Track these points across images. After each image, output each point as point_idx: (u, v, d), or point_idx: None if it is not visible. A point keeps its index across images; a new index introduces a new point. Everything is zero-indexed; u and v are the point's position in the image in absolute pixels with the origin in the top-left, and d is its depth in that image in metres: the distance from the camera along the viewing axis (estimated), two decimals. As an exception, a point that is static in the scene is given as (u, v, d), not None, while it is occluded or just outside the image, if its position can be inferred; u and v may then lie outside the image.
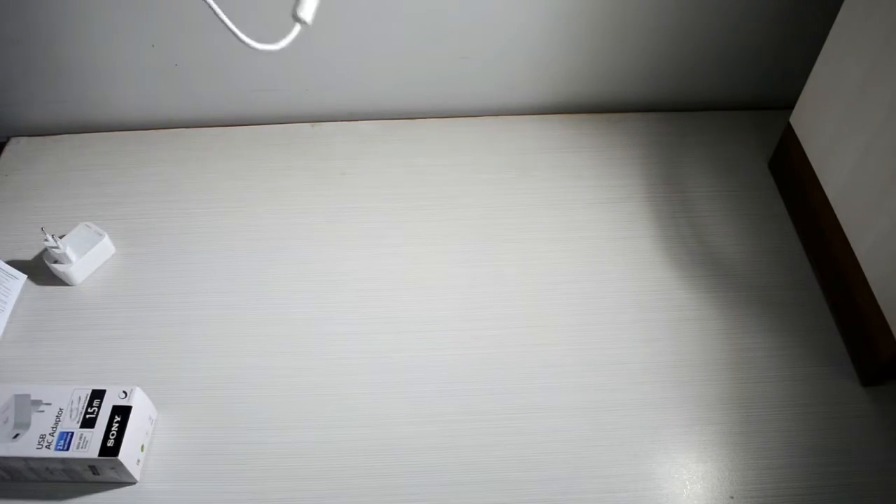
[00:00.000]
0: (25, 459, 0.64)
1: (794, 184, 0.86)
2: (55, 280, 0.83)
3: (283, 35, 0.63)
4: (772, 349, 0.76)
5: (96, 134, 0.99)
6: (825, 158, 0.79)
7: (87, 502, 0.67)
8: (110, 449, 0.64)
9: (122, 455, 0.64)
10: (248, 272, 0.83)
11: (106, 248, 0.85)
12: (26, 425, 0.65)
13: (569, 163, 0.93)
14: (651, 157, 0.94)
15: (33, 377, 0.75)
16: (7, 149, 0.98)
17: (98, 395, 0.67)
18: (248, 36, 0.61)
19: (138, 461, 0.67)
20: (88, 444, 0.64)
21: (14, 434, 0.65)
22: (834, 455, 0.68)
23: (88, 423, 0.66)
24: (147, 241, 0.87)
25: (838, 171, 0.76)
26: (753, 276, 0.81)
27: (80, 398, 0.67)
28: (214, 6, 0.56)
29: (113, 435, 0.65)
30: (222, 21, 0.56)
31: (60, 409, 0.66)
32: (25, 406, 0.67)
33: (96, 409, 0.67)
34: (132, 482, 0.67)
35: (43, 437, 0.65)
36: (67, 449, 0.64)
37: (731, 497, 0.66)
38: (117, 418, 0.66)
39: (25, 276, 0.83)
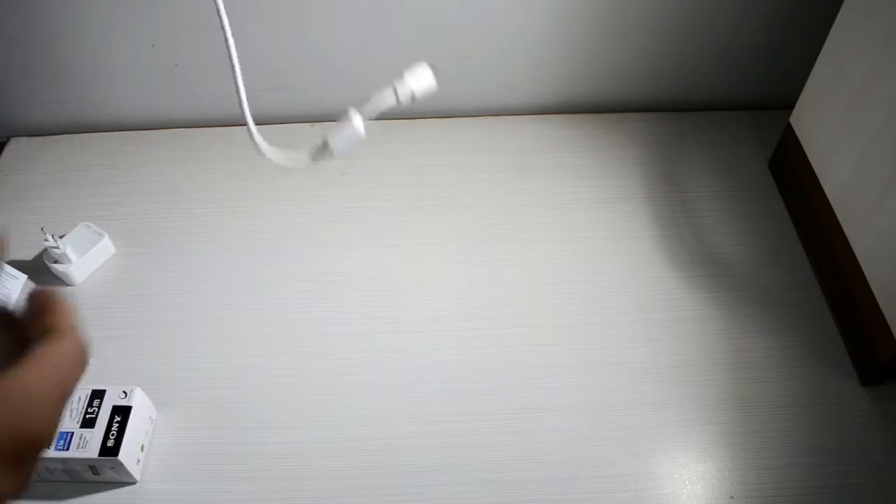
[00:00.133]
0: (25, 459, 0.64)
1: (794, 184, 0.86)
2: (55, 280, 0.83)
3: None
4: (771, 349, 0.76)
5: (96, 134, 0.99)
6: (825, 158, 0.79)
7: (87, 502, 0.67)
8: (110, 449, 0.64)
9: (122, 455, 0.64)
10: (248, 272, 0.83)
11: (106, 248, 0.85)
12: (26, 425, 0.65)
13: (569, 163, 0.93)
14: (651, 157, 0.94)
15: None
16: (7, 149, 0.98)
17: (98, 394, 0.67)
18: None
19: (138, 461, 0.67)
20: (88, 444, 0.64)
21: (14, 434, 0.65)
22: (834, 455, 0.68)
23: (88, 422, 0.66)
24: (147, 241, 0.87)
25: (838, 171, 0.76)
26: (753, 276, 0.81)
27: (80, 398, 0.67)
28: (247, 113, 0.54)
29: (113, 435, 0.65)
30: (248, 125, 0.54)
31: (60, 409, 0.66)
32: (25, 406, 0.66)
33: (96, 408, 0.66)
34: (132, 482, 0.67)
35: (43, 437, 0.65)
36: (67, 449, 0.64)
37: (731, 497, 0.66)
38: (117, 418, 0.66)
39: (25, 276, 0.83)
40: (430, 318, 0.79)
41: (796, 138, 0.84)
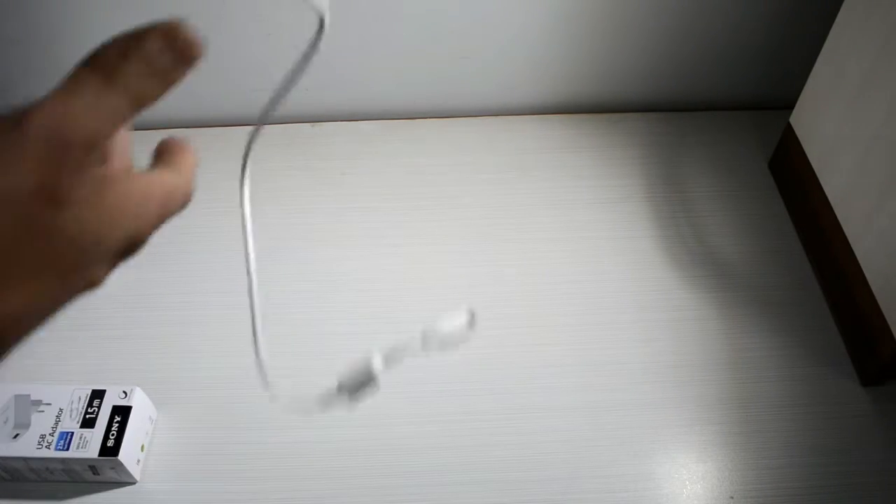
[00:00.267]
0: (25, 459, 0.64)
1: (794, 184, 0.86)
2: (55, 280, 0.82)
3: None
4: (771, 349, 0.76)
5: (96, 134, 0.99)
6: (825, 158, 0.79)
7: (87, 502, 0.67)
8: (110, 449, 0.64)
9: (122, 455, 0.64)
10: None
11: (106, 248, 0.84)
12: (26, 425, 0.65)
13: (569, 163, 0.93)
14: (651, 157, 0.94)
15: (33, 377, 0.75)
16: (7, 149, 0.98)
17: (98, 395, 0.67)
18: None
19: (138, 461, 0.67)
20: (88, 444, 0.64)
21: (14, 434, 0.65)
22: (834, 455, 0.68)
23: (88, 423, 0.66)
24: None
25: (838, 171, 0.76)
26: (753, 276, 0.81)
27: (79, 398, 0.67)
28: (262, 352, 0.49)
29: (113, 435, 0.65)
30: (259, 364, 0.49)
31: (60, 409, 0.66)
32: (25, 406, 0.66)
33: (96, 409, 0.66)
34: (132, 482, 0.67)
35: (43, 437, 0.65)
36: (67, 449, 0.64)
37: (731, 497, 0.66)
38: (117, 418, 0.66)
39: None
40: (429, 318, 0.79)
41: (796, 138, 0.84)
